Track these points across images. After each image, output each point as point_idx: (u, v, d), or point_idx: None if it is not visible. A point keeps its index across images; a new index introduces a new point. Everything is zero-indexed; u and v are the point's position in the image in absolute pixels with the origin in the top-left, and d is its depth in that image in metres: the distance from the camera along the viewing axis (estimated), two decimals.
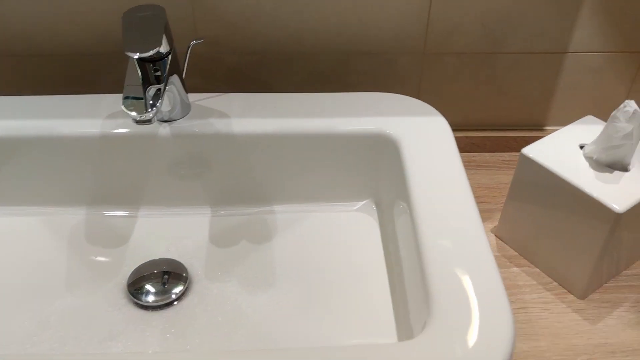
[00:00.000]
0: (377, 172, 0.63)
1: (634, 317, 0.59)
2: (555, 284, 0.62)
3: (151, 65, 0.55)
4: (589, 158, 0.60)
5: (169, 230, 0.63)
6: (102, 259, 0.60)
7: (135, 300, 0.56)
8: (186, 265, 0.59)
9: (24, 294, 0.56)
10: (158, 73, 0.55)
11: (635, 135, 0.56)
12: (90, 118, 0.61)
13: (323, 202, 0.65)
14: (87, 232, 0.63)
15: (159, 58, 0.55)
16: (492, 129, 0.81)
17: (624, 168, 0.59)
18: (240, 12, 0.69)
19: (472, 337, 0.42)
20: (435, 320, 0.43)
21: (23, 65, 0.71)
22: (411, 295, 0.52)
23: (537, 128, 0.81)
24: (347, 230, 0.63)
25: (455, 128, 0.82)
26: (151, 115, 0.53)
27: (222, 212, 0.65)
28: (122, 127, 0.61)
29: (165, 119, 0.61)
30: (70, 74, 0.72)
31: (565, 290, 0.62)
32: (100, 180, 0.63)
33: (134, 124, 0.53)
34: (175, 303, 0.56)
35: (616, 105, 0.80)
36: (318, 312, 0.55)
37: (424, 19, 0.70)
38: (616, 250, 0.59)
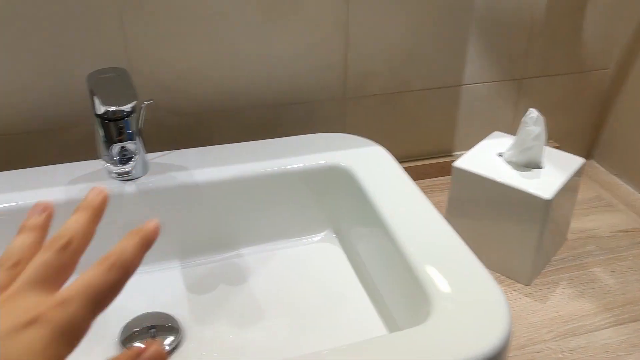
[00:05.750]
0: (333, 203, 0.68)
1: (572, 291, 0.68)
2: (503, 277, 0.70)
3: (118, 123, 0.57)
4: (509, 161, 0.70)
5: (144, 288, 0.62)
6: None
7: None
8: (174, 316, 0.59)
9: None
10: (130, 130, 0.57)
11: (543, 137, 0.68)
12: (49, 187, 0.61)
13: (286, 239, 0.69)
14: None
15: (127, 115, 0.57)
16: (410, 160, 0.90)
17: (537, 166, 0.69)
18: (176, 77, 0.72)
19: (472, 325, 0.46)
20: (437, 313, 0.47)
21: None
22: (395, 306, 0.57)
23: (446, 155, 0.91)
24: (315, 260, 0.67)
25: None
26: (129, 168, 0.54)
27: (192, 263, 0.65)
28: (85, 191, 0.60)
29: (128, 177, 0.62)
30: None
31: (512, 281, 0.70)
32: None
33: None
34: (174, 352, 0.55)
35: (506, 125, 0.94)
36: (312, 335, 0.58)
37: (342, 68, 0.79)
38: (548, 236, 0.68)
